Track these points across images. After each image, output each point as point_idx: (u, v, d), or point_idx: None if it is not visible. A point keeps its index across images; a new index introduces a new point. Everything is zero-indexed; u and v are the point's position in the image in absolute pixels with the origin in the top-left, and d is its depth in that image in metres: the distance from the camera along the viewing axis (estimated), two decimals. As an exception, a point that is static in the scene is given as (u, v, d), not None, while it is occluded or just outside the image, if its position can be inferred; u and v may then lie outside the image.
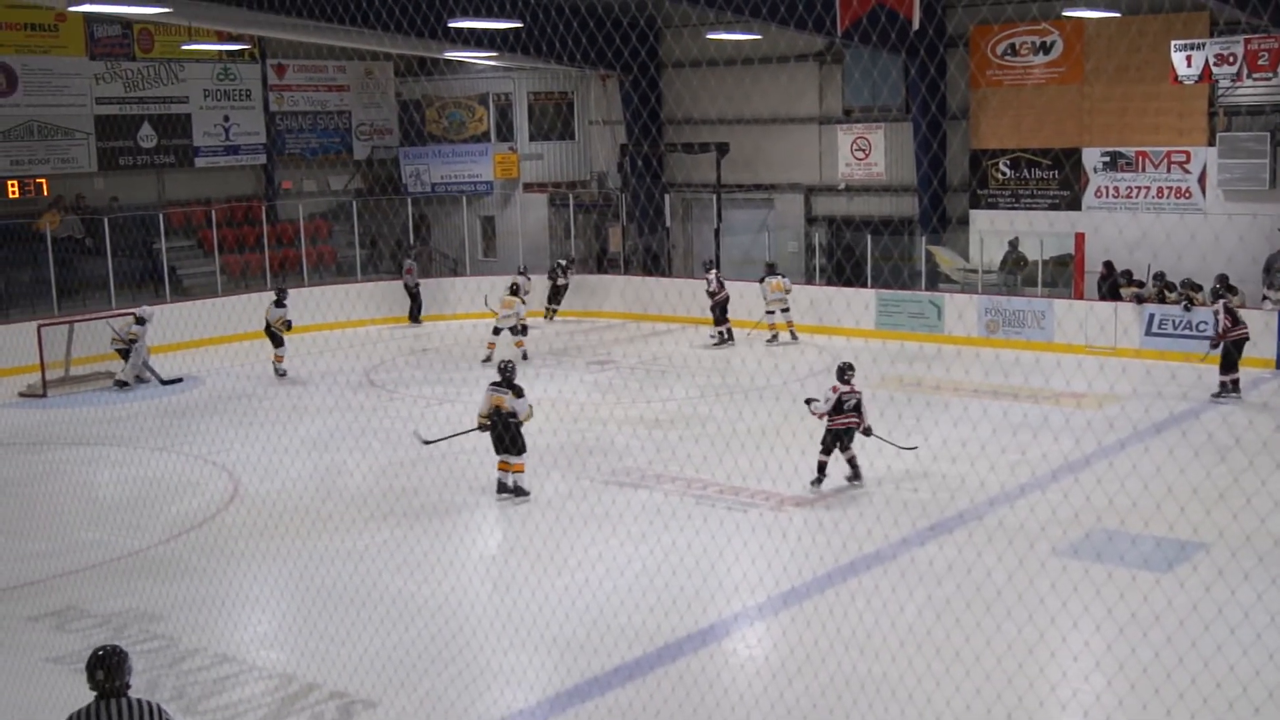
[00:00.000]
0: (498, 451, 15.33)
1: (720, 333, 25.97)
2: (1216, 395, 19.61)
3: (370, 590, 12.14)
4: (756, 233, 30.27)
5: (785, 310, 25.64)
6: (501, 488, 15.30)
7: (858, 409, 15.11)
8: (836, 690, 9.75)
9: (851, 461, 15.26)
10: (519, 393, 15.18)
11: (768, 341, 25.74)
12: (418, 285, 29.54)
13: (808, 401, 15.39)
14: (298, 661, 10.79)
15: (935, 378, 21.31)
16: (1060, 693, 9.76)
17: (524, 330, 24.45)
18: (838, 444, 15.16)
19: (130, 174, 30.16)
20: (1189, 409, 18.71)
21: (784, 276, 25.99)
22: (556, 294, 29.62)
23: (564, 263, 29.99)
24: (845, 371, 15.20)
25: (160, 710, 6.66)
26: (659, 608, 11.38)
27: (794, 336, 25.72)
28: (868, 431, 15.22)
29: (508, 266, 29.84)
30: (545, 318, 29.20)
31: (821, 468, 15.15)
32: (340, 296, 28.10)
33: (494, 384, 15.35)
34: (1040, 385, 20.12)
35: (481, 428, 15.36)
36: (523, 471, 15.33)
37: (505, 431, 15.18)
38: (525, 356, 23.94)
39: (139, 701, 6.65)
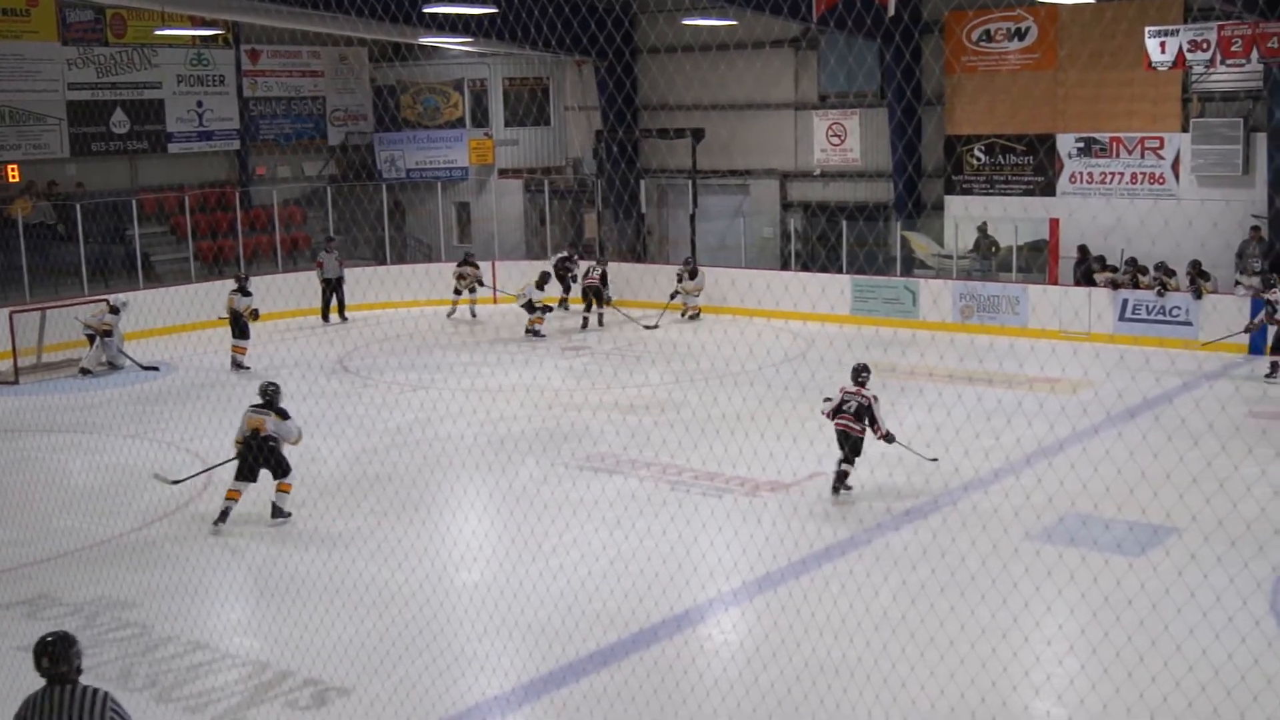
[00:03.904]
0: (238, 478, 14.04)
1: (587, 317, 26.79)
2: (1269, 376, 19.94)
3: (344, 577, 12.09)
4: (732, 218, 30.24)
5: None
6: (223, 517, 13.95)
7: (858, 414, 14.20)
8: (811, 675, 9.76)
9: (842, 475, 14.39)
10: (284, 415, 14.08)
11: (690, 318, 26.94)
12: (336, 279, 27.82)
13: (827, 400, 14.69)
14: (271, 649, 10.76)
15: (910, 363, 21.36)
16: (1034, 677, 9.79)
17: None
18: (846, 447, 14.31)
19: (103, 160, 29.96)
20: (1162, 394, 18.78)
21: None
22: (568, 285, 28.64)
23: (566, 255, 29.18)
24: (859, 374, 14.42)
25: (105, 700, 6.60)
26: (634, 593, 11.37)
27: (696, 316, 27.10)
28: (889, 438, 14.33)
29: (482, 252, 29.76)
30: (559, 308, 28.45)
31: (839, 475, 14.45)
32: (313, 283, 27.95)
33: (254, 405, 14.16)
34: (1014, 370, 20.16)
35: (239, 454, 14.13)
36: (289, 492, 14.18)
37: (259, 456, 13.93)
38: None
39: (84, 689, 6.61)
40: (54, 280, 26.39)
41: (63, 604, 11.95)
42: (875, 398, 14.40)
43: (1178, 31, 22.18)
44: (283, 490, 14.21)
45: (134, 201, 27.85)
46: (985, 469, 15.20)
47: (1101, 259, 24.07)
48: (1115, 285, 23.39)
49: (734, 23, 27.69)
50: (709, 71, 28.86)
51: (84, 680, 6.72)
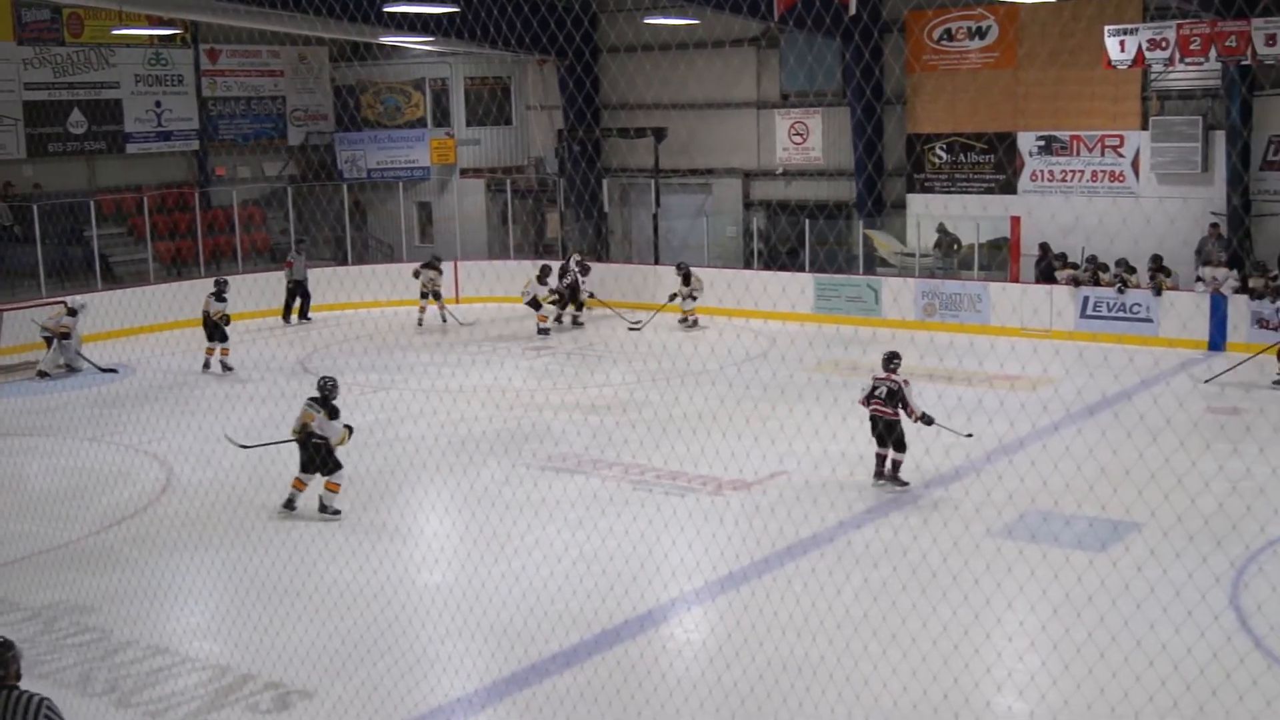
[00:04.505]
0: (302, 470, 14.28)
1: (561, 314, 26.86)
2: (1277, 382, 19.48)
3: (306, 579, 12.02)
4: (694, 218, 30.26)
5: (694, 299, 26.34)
6: (289, 504, 14.25)
7: (889, 399, 14.51)
8: (774, 674, 9.78)
9: (895, 465, 14.72)
10: (334, 413, 14.13)
11: (681, 323, 26.29)
12: (303, 280, 27.92)
13: (862, 389, 15.08)
14: (233, 652, 10.70)
15: (872, 361, 21.25)
16: (995, 673, 9.82)
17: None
18: (881, 434, 14.70)
19: (60, 160, 29.71)
20: (1121, 390, 18.89)
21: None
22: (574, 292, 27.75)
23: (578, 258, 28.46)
24: (889, 361, 14.78)
25: (40, 705, 6.57)
26: (596, 593, 11.35)
27: (695, 323, 26.32)
28: (928, 420, 14.54)
29: (445, 253, 29.63)
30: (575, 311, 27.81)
31: (880, 461, 14.78)
32: (274, 284, 27.81)
33: (311, 399, 14.31)
34: (975, 368, 20.25)
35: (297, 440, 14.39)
36: (337, 491, 14.24)
37: (306, 451, 14.17)
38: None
39: (21, 694, 6.59)
40: (11, 282, 26.15)
41: (21, 609, 11.83)
42: (906, 381, 14.67)
43: (1137, 30, 22.31)
44: (330, 489, 14.25)
45: (92, 202, 27.66)
46: (946, 466, 15.26)
47: (1063, 256, 24.19)
48: (1076, 282, 23.53)
49: (695, 22, 27.70)
50: (670, 71, 28.89)
51: (42, 686, 6.68)
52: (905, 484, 14.69)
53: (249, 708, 9.71)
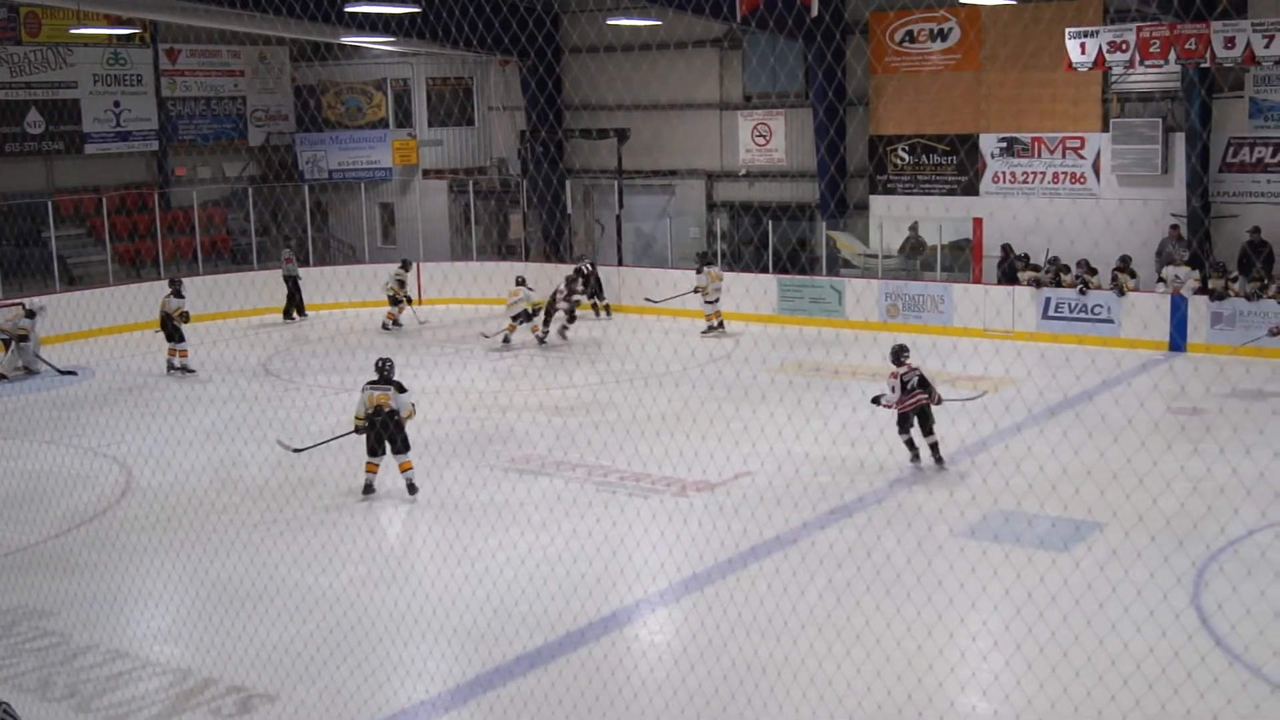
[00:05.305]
0: (371, 454, 14.68)
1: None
2: None
3: (268, 582, 11.95)
4: (658, 219, 30.26)
5: (716, 301, 25.39)
6: (368, 489, 14.75)
7: (922, 385, 15.02)
8: (739, 674, 9.78)
9: (934, 448, 15.18)
10: (400, 389, 14.62)
11: (704, 333, 25.09)
12: (297, 277, 28.30)
13: (875, 400, 15.42)
14: (194, 656, 10.63)
15: (835, 362, 21.44)
16: (960, 672, 9.85)
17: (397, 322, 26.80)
18: (915, 424, 15.16)
19: (17, 161, 29.41)
20: (1083, 391, 18.98)
21: (716, 265, 25.96)
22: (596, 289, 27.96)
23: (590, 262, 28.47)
24: (900, 354, 15.25)
25: None
26: (561, 595, 11.34)
27: (721, 325, 25.45)
28: (938, 400, 15.17)
29: (408, 254, 29.50)
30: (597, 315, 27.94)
31: (910, 445, 15.24)
32: (235, 285, 27.67)
33: (371, 382, 14.71)
34: (938, 369, 20.25)
35: (359, 430, 14.73)
36: (413, 469, 14.75)
37: (385, 430, 14.51)
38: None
39: None
40: (-33, 284, 25.95)
41: (-22, 613, 11.73)
42: (919, 366, 15.26)
43: (1097, 33, 22.43)
44: (406, 469, 14.68)
45: (50, 203, 27.40)
46: (909, 466, 15.29)
47: (1025, 257, 24.31)
48: (1038, 284, 23.63)
49: (658, 23, 27.68)
50: (633, 72, 28.86)
51: (0, 690, 6.62)
52: (943, 464, 15.20)
53: (211, 712, 9.64)
